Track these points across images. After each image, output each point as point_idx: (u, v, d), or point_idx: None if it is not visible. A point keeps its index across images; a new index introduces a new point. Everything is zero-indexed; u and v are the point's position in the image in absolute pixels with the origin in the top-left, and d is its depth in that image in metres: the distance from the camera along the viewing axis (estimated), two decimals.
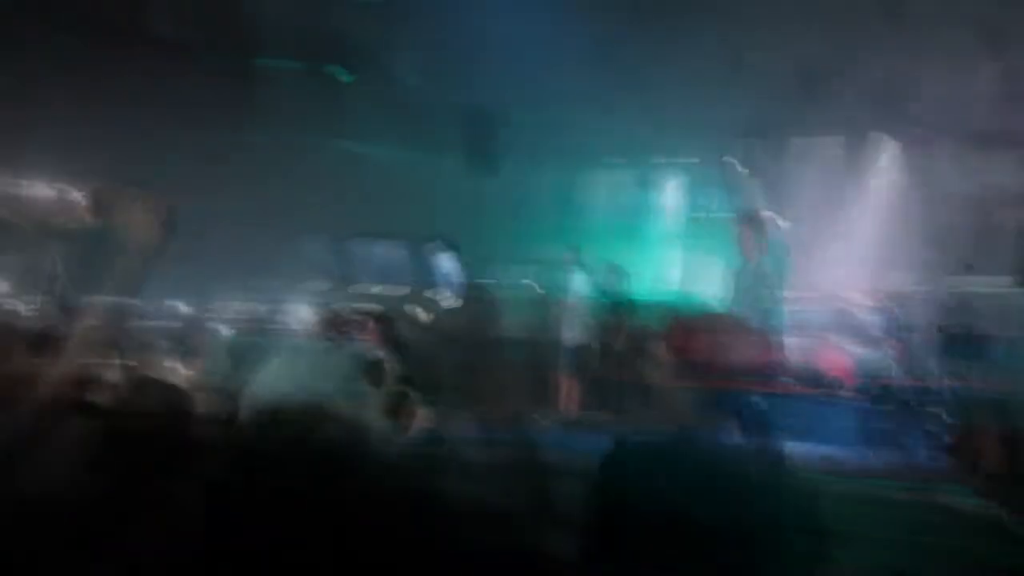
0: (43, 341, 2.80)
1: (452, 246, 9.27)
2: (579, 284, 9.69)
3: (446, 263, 9.17)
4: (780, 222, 7.47)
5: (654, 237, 11.37)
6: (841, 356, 8.83)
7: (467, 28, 10.85)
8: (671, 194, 11.56)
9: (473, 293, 9.18)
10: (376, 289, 9.15)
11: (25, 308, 7.85)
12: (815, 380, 8.43)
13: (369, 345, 6.93)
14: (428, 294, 8.96)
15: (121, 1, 11.13)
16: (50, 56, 9.90)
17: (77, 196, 9.16)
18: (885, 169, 10.44)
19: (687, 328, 7.55)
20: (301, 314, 8.67)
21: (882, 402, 7.66)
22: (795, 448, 5.60)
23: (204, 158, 10.13)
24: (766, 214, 7.43)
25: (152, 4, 11.39)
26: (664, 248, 11.28)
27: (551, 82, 10.75)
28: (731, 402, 6.50)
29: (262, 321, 8.98)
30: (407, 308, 9.02)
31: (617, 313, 9.46)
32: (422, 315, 9.00)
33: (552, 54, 10.55)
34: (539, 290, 9.67)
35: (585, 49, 10.47)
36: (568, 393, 9.30)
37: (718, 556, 2.10)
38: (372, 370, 3.15)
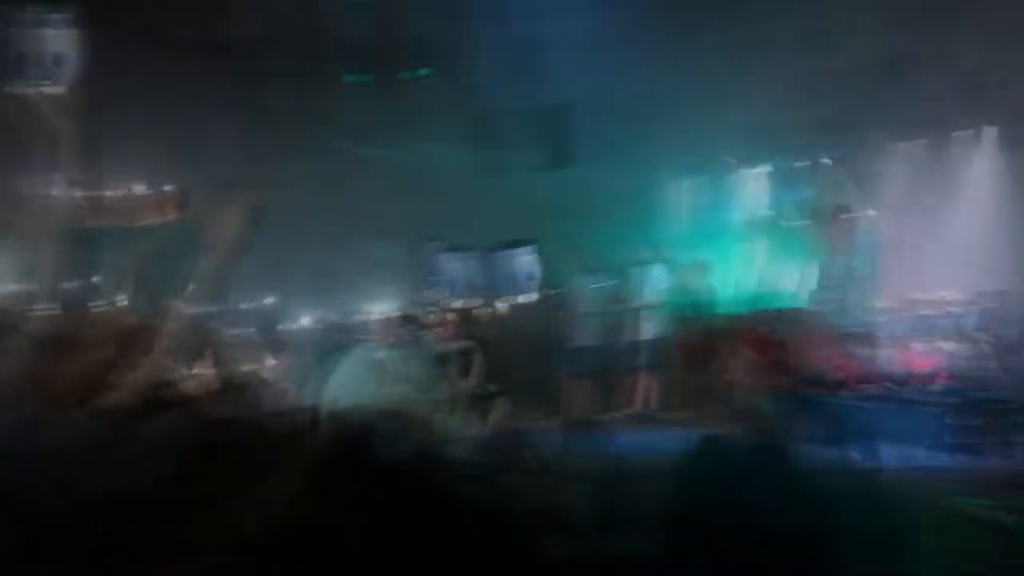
0: (132, 341, 2.86)
1: (530, 249, 9.26)
2: (659, 283, 9.59)
3: (524, 266, 9.16)
4: (870, 219, 7.30)
5: (736, 236, 11.17)
6: (933, 357, 8.56)
7: (543, 26, 10.84)
8: (754, 192, 11.36)
9: (553, 294, 9.16)
10: (455, 292, 9.18)
11: (113, 308, 8.06)
12: (906, 382, 8.19)
13: (449, 345, 6.97)
14: (507, 297, 8.96)
15: (203, 10, 11.37)
16: (136, 62, 10.17)
17: (166, 197, 9.39)
18: (979, 166, 10.11)
19: (770, 328, 7.42)
20: (382, 315, 8.74)
21: (975, 405, 7.39)
22: (883, 453, 5.42)
23: (281, 163, 10.29)
24: (856, 211, 7.25)
25: (233, 13, 11.61)
26: (747, 247, 11.08)
27: (628, 80, 10.66)
28: (816, 404, 6.35)
29: (344, 322, 9.08)
30: (487, 308, 9.03)
31: (697, 313, 9.34)
32: (502, 315, 9.01)
33: (629, 51, 10.47)
34: (619, 290, 9.59)
35: (663, 46, 10.36)
36: (647, 393, 9.21)
37: (798, 561, 2.05)
38: (452, 370, 3.14)
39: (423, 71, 12.03)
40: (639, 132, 10.57)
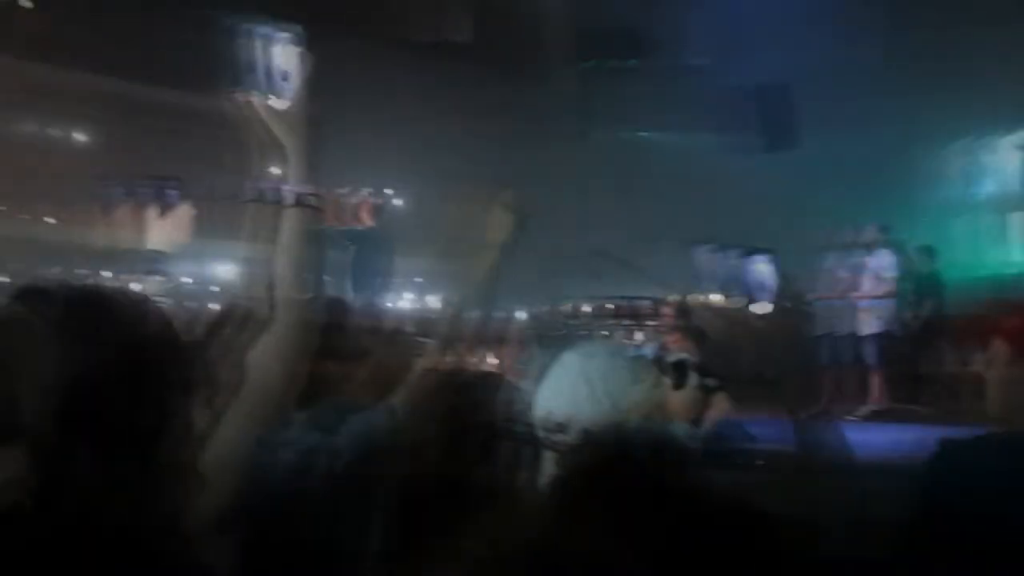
0: (395, 340, 2.96)
1: (770, 257, 8.94)
2: (888, 267, 9.08)
3: (761, 274, 8.84)
4: None
5: (973, 214, 10.45)
6: None
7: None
8: (993, 167, 10.58)
9: (780, 286, 8.82)
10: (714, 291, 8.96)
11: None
12: None
13: (667, 338, 6.87)
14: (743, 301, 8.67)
15: (424, 11, 11.80)
16: (367, 65, 10.71)
17: (370, 201, 9.72)
18: None
19: (1017, 312, 6.83)
20: (599, 310, 8.71)
21: None
22: None
23: (505, 157, 10.52)
24: None
25: (448, 12, 11.98)
26: (985, 225, 10.34)
27: (848, 54, 10.21)
28: None
29: (567, 320, 9.09)
30: (704, 297, 8.84)
31: (929, 298, 8.81)
32: (722, 304, 8.78)
33: (846, 25, 10.03)
34: (850, 277, 9.11)
35: (882, 17, 9.85)
36: (876, 385, 8.78)
37: None
38: (671, 365, 3.08)
39: (635, 55, 11.99)
40: (868, 105, 10.09)
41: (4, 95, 11.05)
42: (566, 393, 2.07)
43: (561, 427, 2.02)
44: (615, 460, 1.38)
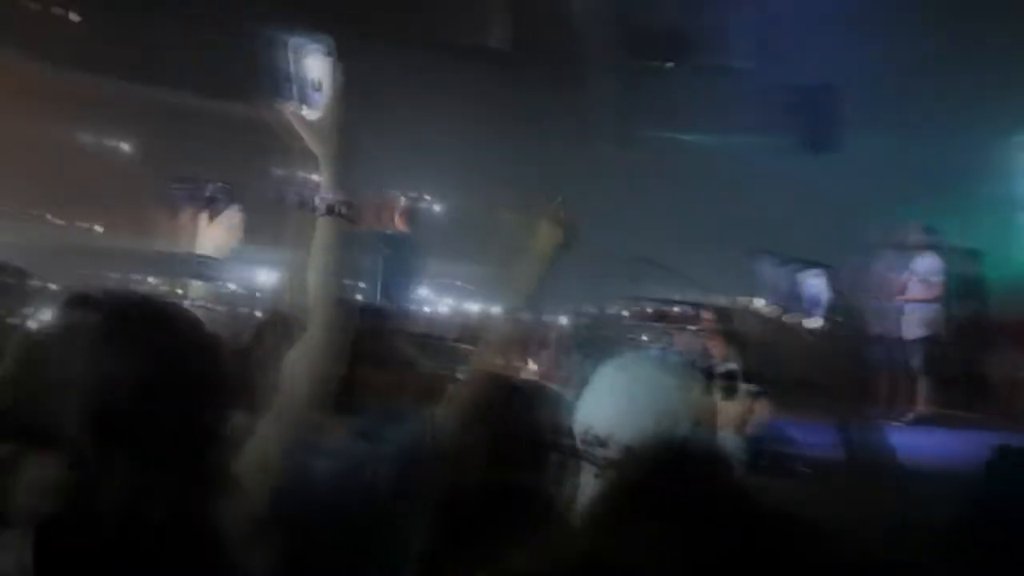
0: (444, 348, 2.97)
1: (825, 272, 8.80)
2: (934, 270, 8.94)
3: (816, 288, 8.70)
4: None
5: (1021, 214, 10.25)
6: None
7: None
8: None
9: (836, 303, 8.69)
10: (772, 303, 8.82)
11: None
12: None
13: (708, 343, 6.79)
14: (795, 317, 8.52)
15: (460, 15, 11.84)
16: (406, 69, 10.78)
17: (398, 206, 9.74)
18: None
19: None
20: (639, 315, 8.62)
21: None
22: None
23: (546, 161, 10.52)
24: None
25: (488, 16, 12.01)
26: None
27: (893, 53, 10.06)
28: None
29: (608, 324, 9.03)
30: (749, 303, 8.74)
31: (976, 301, 8.68)
32: (771, 314, 8.66)
33: (890, 21, 9.88)
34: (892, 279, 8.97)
35: (925, 16, 9.70)
36: (924, 390, 8.64)
37: None
38: (722, 376, 3.05)
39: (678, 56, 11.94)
40: (913, 103, 9.95)
41: (51, 105, 11.27)
42: (608, 408, 2.03)
43: (602, 441, 1.99)
44: (663, 476, 1.36)
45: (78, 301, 1.58)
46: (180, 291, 7.10)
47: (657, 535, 1.29)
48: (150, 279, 7.40)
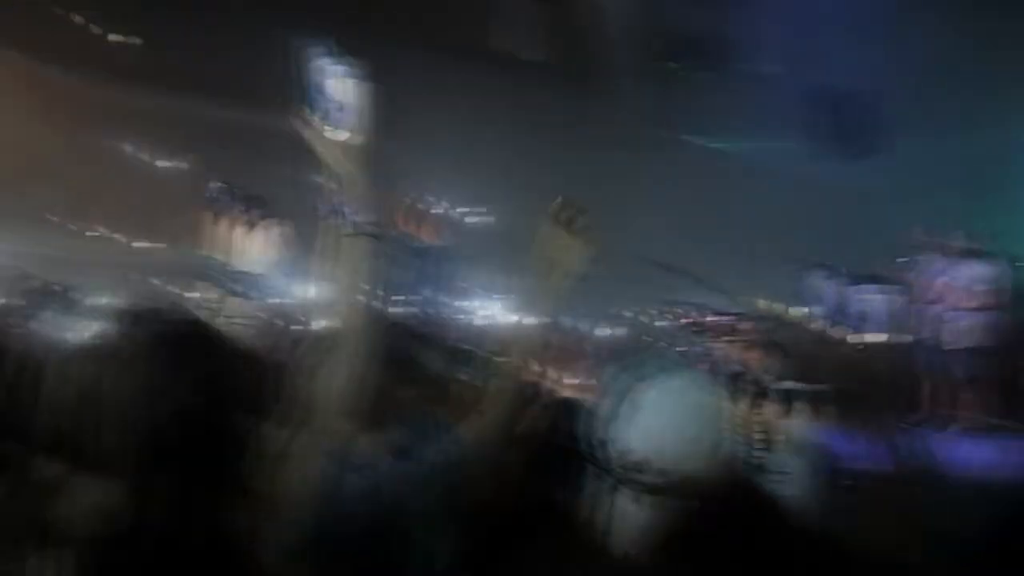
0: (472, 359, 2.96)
1: (887, 288, 8.69)
2: (980, 277, 8.77)
3: (880, 304, 8.60)
4: None
5: None
6: None
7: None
8: None
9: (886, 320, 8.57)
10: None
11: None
12: None
13: (747, 354, 6.72)
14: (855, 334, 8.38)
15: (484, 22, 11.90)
16: (438, 80, 10.84)
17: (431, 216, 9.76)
18: None
19: None
20: (676, 327, 8.55)
21: None
22: None
23: (578, 169, 10.51)
24: None
25: (520, 27, 12.04)
26: None
27: (930, 57, 9.95)
28: None
29: (643, 335, 8.97)
30: (781, 309, 8.65)
31: (1021, 308, 8.51)
32: (795, 317, 8.58)
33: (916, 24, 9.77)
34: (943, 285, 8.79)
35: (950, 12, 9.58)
36: (969, 399, 8.49)
37: None
38: (781, 394, 3.01)
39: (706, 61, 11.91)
40: (948, 106, 9.82)
41: (92, 118, 11.46)
42: (649, 433, 1.94)
43: (641, 466, 1.92)
44: (716, 512, 1.33)
45: (117, 319, 1.59)
46: (217, 305, 7.14)
47: (708, 559, 1.26)
48: (185, 293, 7.48)
